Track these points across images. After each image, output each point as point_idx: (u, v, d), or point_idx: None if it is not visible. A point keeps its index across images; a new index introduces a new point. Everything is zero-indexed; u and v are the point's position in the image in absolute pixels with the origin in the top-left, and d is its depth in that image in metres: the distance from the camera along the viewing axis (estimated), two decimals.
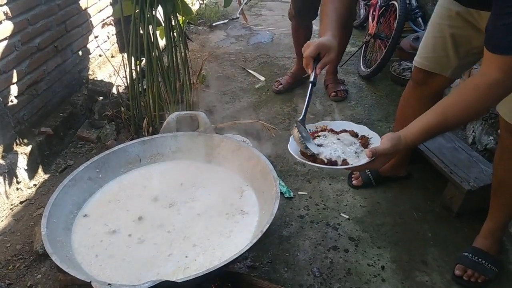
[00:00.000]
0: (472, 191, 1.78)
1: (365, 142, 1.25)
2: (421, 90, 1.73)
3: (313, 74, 1.24)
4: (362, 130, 1.29)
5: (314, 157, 1.19)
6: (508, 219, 1.64)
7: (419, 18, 3.31)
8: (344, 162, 1.17)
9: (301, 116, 1.27)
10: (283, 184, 2.08)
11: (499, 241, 1.68)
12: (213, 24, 4.17)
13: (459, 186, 1.82)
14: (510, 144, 1.47)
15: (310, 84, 1.25)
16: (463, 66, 1.62)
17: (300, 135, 1.19)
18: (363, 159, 1.16)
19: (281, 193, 2.00)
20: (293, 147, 1.22)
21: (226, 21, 4.24)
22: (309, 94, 1.26)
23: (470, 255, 1.62)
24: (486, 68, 1.04)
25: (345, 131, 1.30)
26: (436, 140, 2.08)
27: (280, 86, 2.97)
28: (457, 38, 1.51)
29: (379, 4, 3.21)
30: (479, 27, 1.42)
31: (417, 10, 3.31)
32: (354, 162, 1.17)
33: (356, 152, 1.20)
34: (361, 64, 3.25)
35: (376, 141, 1.22)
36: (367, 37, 3.24)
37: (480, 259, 1.60)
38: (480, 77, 1.05)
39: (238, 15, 4.27)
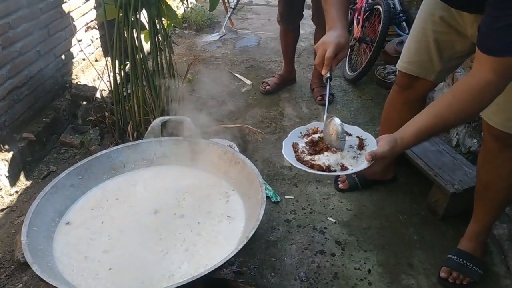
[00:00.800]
0: (456, 194, 1.80)
1: (360, 144, 1.21)
2: (405, 94, 1.74)
3: (328, 72, 1.23)
4: (355, 131, 1.25)
5: (310, 163, 1.15)
6: (492, 221, 1.66)
7: (403, 22, 3.34)
8: (343, 167, 1.14)
9: (326, 111, 1.24)
10: (270, 188, 2.08)
11: (484, 243, 1.69)
12: (209, 39, 4.08)
13: (444, 189, 1.83)
14: (493, 147, 1.48)
15: (328, 80, 1.24)
16: (447, 70, 1.64)
17: (341, 129, 1.14)
18: (363, 164, 1.13)
19: (268, 197, 2.00)
20: (287, 152, 1.18)
21: (217, 36, 4.18)
22: (328, 89, 1.25)
23: (455, 257, 1.63)
24: (478, 69, 1.05)
25: None
26: (421, 143, 2.09)
27: (268, 87, 2.99)
28: (440, 42, 1.53)
29: (363, 8, 3.24)
30: (462, 31, 1.43)
31: (401, 14, 3.34)
32: (353, 167, 1.13)
33: (354, 157, 1.16)
34: (347, 67, 3.27)
35: (371, 143, 1.19)
36: (352, 41, 3.26)
37: (465, 261, 1.61)
38: (473, 78, 1.06)
39: (224, 31, 4.23)
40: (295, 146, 1.22)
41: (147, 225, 1.34)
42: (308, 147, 1.21)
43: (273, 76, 3.08)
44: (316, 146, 1.21)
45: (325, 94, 3.11)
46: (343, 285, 1.61)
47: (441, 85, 2.55)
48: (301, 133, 1.28)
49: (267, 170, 2.24)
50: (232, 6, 4.31)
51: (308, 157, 1.17)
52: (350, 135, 1.24)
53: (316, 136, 1.24)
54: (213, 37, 4.12)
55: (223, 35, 4.14)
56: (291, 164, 1.15)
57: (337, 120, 1.17)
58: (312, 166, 1.14)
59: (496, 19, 0.98)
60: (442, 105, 1.11)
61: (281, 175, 2.21)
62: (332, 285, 1.61)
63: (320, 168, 1.13)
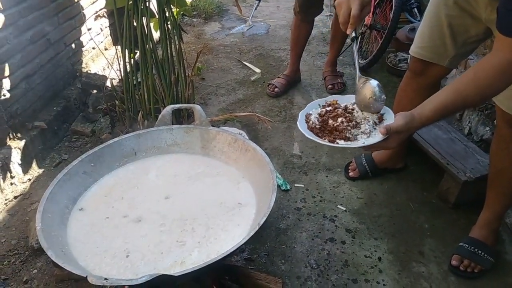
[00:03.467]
0: (468, 182, 1.79)
1: (379, 119, 1.18)
2: (418, 80, 1.72)
3: (353, 31, 1.19)
4: None
5: (326, 133, 1.14)
6: (504, 209, 1.65)
7: (415, 9, 3.29)
8: (355, 139, 1.12)
9: (358, 71, 1.21)
10: (280, 176, 2.08)
11: (496, 232, 1.68)
12: (236, 31, 3.96)
13: (456, 177, 1.82)
14: (506, 134, 1.47)
15: (355, 40, 1.22)
16: (461, 55, 1.61)
17: (380, 90, 1.11)
18: (377, 137, 1.11)
19: (278, 185, 2.00)
20: (303, 124, 1.17)
21: (244, 28, 4.01)
22: (356, 49, 1.23)
23: (467, 245, 1.63)
24: (499, 49, 1.04)
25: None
26: (432, 131, 2.07)
27: (276, 89, 2.82)
28: (454, 27, 1.50)
29: None
30: (476, 15, 1.40)
31: (412, 1, 3.29)
32: (366, 141, 1.11)
33: (374, 129, 1.13)
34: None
35: (389, 118, 1.16)
36: (363, 28, 3.22)
37: (476, 249, 1.61)
38: (495, 57, 1.05)
39: (251, 23, 4.10)
40: (307, 117, 1.21)
41: (158, 211, 1.35)
42: (318, 121, 1.20)
43: (278, 77, 2.90)
44: (326, 125, 1.19)
45: (337, 83, 3.07)
46: (353, 272, 1.61)
47: (454, 72, 2.51)
48: (319, 105, 1.26)
49: (277, 159, 2.24)
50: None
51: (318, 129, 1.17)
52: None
53: (339, 110, 1.21)
54: (240, 29, 4.03)
55: (251, 27, 4.05)
56: (304, 135, 1.14)
57: (373, 82, 1.13)
58: (330, 140, 1.14)
59: None
60: (463, 81, 1.10)
61: (291, 164, 2.21)
62: (343, 272, 1.61)
63: (333, 141, 1.13)
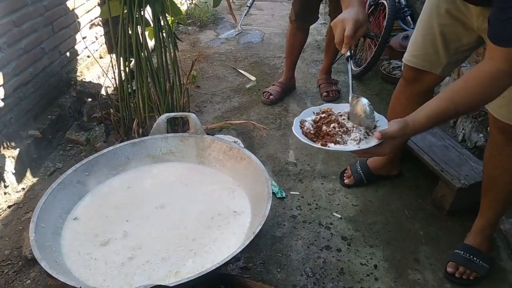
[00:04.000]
0: (463, 189, 1.79)
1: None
2: (411, 88, 1.73)
3: (348, 50, 1.22)
4: None
5: (319, 138, 1.17)
6: (499, 216, 1.65)
7: (408, 17, 3.32)
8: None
9: (351, 91, 1.24)
10: (275, 184, 2.08)
11: (490, 238, 1.69)
12: (225, 36, 4.03)
13: (450, 184, 1.83)
14: (499, 141, 1.48)
15: (349, 60, 1.25)
16: (453, 64, 1.63)
17: (370, 109, 1.14)
18: (371, 142, 1.13)
19: (273, 193, 2.00)
20: (297, 129, 1.19)
21: (233, 33, 4.09)
22: (350, 69, 1.26)
23: (462, 252, 1.63)
24: (491, 58, 1.05)
25: None
26: (427, 138, 2.09)
27: (271, 97, 2.81)
28: (446, 35, 1.52)
29: (368, 3, 3.22)
30: (468, 24, 1.42)
31: (406, 9, 3.32)
32: (360, 145, 1.13)
33: (364, 137, 1.16)
34: (351, 62, 3.24)
35: (383, 124, 1.18)
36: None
37: (471, 256, 1.61)
38: (486, 65, 1.06)
39: (240, 28, 4.16)
40: (302, 123, 1.23)
41: (153, 220, 1.34)
42: (313, 127, 1.22)
43: (273, 85, 2.90)
44: (320, 131, 1.21)
45: (331, 90, 3.10)
46: (349, 280, 1.61)
47: (447, 79, 2.53)
48: (313, 112, 1.28)
49: (272, 166, 2.24)
50: (248, 5, 4.31)
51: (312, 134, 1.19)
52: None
53: (332, 117, 1.24)
54: (230, 34, 4.08)
55: (239, 33, 4.10)
56: (298, 138, 1.16)
57: (364, 100, 1.17)
58: (323, 144, 1.16)
59: (504, 10, 0.98)
60: (454, 90, 1.11)
61: (286, 171, 2.21)
62: (339, 280, 1.61)
63: (325, 144, 1.15)
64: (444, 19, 1.49)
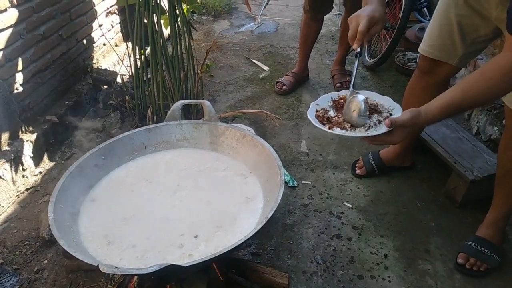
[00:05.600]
0: (476, 181, 1.79)
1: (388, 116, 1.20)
2: (427, 79, 1.73)
3: (359, 47, 1.22)
4: (386, 101, 1.26)
5: (330, 123, 1.18)
6: (511, 209, 1.64)
7: (425, 8, 3.28)
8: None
9: (351, 87, 1.25)
10: (287, 173, 2.09)
11: (502, 231, 1.68)
12: (245, 29, 4.00)
13: (463, 176, 1.82)
14: None
15: (358, 56, 1.25)
16: (470, 55, 1.61)
17: (364, 107, 1.15)
18: (381, 129, 1.14)
19: (285, 182, 2.01)
20: (312, 113, 1.21)
21: (253, 26, 4.04)
22: (357, 65, 1.26)
23: (473, 244, 1.63)
24: (509, 50, 1.05)
25: None
26: (440, 130, 2.08)
27: (284, 87, 2.83)
28: (463, 26, 1.50)
29: None
30: (486, 14, 1.41)
31: (422, 0, 3.28)
32: (370, 131, 1.14)
33: (375, 125, 1.16)
34: (366, 54, 3.23)
35: (398, 114, 1.19)
36: None
37: (482, 248, 1.61)
38: (503, 58, 1.06)
39: (260, 21, 4.12)
40: (318, 110, 1.25)
41: (168, 204, 1.37)
42: (327, 113, 1.24)
43: (287, 75, 2.91)
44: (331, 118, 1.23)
45: (345, 81, 3.09)
46: (359, 268, 1.62)
47: (463, 72, 2.51)
48: (331, 98, 1.29)
49: (284, 155, 2.25)
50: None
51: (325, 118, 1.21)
52: (379, 112, 1.22)
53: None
54: (249, 27, 4.05)
55: (259, 25, 4.08)
56: (312, 124, 1.18)
57: (360, 97, 1.17)
58: (330, 127, 1.18)
59: None
60: (470, 82, 1.10)
61: (298, 161, 2.22)
62: (348, 268, 1.62)
63: (331, 127, 1.17)
64: (461, 9, 1.48)
